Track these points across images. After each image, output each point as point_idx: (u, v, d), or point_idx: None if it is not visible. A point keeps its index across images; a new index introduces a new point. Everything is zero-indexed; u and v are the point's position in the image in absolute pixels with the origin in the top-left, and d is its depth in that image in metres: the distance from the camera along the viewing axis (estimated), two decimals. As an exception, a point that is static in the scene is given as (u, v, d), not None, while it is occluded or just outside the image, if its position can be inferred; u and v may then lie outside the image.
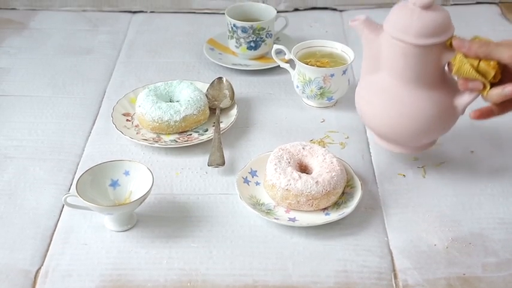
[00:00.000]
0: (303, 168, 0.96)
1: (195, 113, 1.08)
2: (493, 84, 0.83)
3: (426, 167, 1.03)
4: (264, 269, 0.86)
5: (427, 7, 0.85)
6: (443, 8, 0.88)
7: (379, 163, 1.04)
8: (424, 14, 0.85)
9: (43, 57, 1.35)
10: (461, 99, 0.89)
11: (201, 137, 1.08)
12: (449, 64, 0.87)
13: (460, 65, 0.84)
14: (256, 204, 0.94)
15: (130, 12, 1.56)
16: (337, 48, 1.20)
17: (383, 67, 0.91)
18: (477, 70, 0.83)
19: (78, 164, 1.04)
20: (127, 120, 1.12)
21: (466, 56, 0.84)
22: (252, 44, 1.30)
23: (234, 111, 1.14)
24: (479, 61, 0.83)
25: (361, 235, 0.91)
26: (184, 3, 1.56)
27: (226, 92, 1.18)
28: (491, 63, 0.82)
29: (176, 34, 1.46)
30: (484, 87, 0.84)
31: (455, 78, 0.88)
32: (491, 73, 0.82)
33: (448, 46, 0.86)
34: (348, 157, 1.04)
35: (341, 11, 1.57)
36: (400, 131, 0.91)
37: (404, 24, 0.85)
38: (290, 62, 1.22)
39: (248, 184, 0.98)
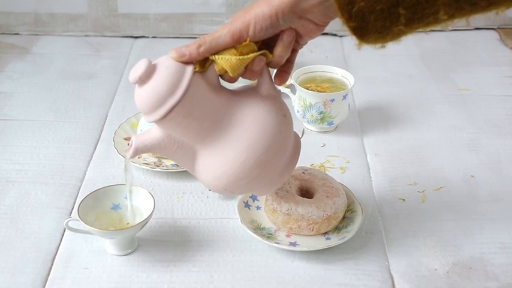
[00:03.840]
0: (304, 193, 0.97)
1: (196, 137, 1.09)
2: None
3: (426, 192, 1.03)
4: (265, 293, 0.86)
5: (142, 81, 0.75)
6: (161, 63, 0.76)
7: (379, 188, 1.05)
8: (144, 89, 0.74)
9: (45, 81, 1.36)
10: (262, 87, 0.79)
11: (202, 162, 1.08)
12: (222, 77, 0.78)
13: (229, 63, 0.73)
14: (257, 229, 0.94)
15: (132, 37, 1.58)
16: (338, 73, 1.21)
17: (189, 143, 0.78)
18: (242, 54, 0.73)
19: (79, 188, 1.05)
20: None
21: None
22: (253, 69, 1.31)
23: (235, 136, 1.14)
24: (234, 47, 0.73)
25: (361, 259, 0.91)
26: (186, 29, 1.57)
27: (227, 116, 1.18)
28: (243, 44, 0.73)
29: (177, 59, 1.47)
30: (266, 55, 0.75)
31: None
32: (254, 46, 0.73)
33: (200, 69, 0.75)
34: (348, 182, 1.04)
35: (341, 36, 1.58)
36: (265, 163, 0.77)
37: (144, 108, 0.74)
38: (291, 87, 1.22)
39: (249, 208, 0.98)
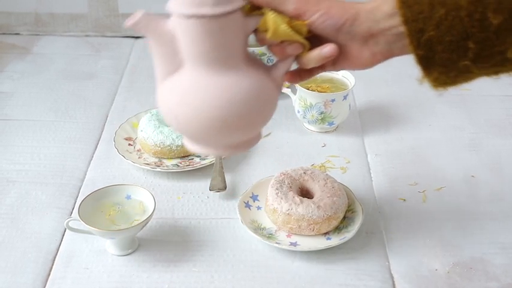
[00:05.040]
0: (304, 193, 0.97)
1: (196, 137, 1.09)
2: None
3: (427, 192, 1.04)
4: (266, 293, 0.86)
5: None
6: None
7: (379, 188, 1.05)
8: None
9: (46, 82, 1.36)
10: (278, 69, 0.77)
11: (203, 162, 1.08)
12: (257, 32, 0.74)
13: (276, 26, 0.71)
14: (258, 229, 0.94)
15: (132, 37, 1.58)
16: (338, 73, 1.21)
17: (185, 59, 0.76)
18: (292, 29, 0.71)
19: (80, 188, 1.05)
20: (129, 144, 1.13)
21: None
22: (254, 69, 1.31)
23: (235, 136, 1.14)
24: (289, 19, 0.71)
25: (362, 259, 0.91)
26: (186, 29, 1.57)
27: (228, 116, 1.18)
28: (299, 22, 0.71)
29: (178, 59, 1.47)
30: (304, 47, 0.73)
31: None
32: (305, 29, 0.71)
33: (248, 11, 0.73)
34: (349, 182, 1.04)
35: (341, 36, 1.58)
36: (222, 122, 0.75)
37: None
38: (291, 87, 1.22)
39: (249, 208, 0.98)
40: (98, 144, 1.16)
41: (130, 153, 1.10)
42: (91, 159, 1.12)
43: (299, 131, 1.20)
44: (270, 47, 0.74)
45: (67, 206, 1.01)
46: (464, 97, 1.32)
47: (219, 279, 0.87)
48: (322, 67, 0.75)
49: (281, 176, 0.97)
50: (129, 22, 0.75)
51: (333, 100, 1.14)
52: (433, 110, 1.27)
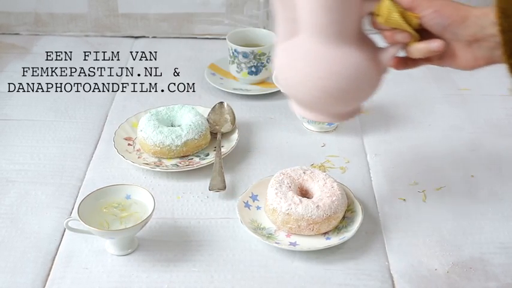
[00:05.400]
0: (304, 193, 0.97)
1: (196, 137, 1.09)
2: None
3: (426, 191, 1.04)
4: (265, 293, 0.86)
5: None
6: None
7: (379, 187, 1.05)
8: None
9: (45, 82, 1.36)
10: (387, 53, 0.81)
11: (202, 162, 1.08)
12: (372, 15, 0.79)
13: (388, 14, 0.76)
14: (257, 229, 0.94)
15: (132, 37, 1.58)
16: (338, 73, 1.21)
17: (302, 28, 0.82)
18: (403, 16, 0.76)
19: (79, 188, 1.05)
20: (129, 144, 1.13)
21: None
22: (253, 69, 1.31)
23: (235, 136, 1.15)
24: (404, 10, 0.76)
25: (361, 259, 0.91)
26: (186, 29, 1.57)
27: (228, 116, 1.19)
28: (412, 14, 0.76)
29: (178, 59, 1.47)
30: (413, 38, 0.77)
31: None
32: (416, 21, 0.76)
33: None
34: (348, 181, 1.04)
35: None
36: (328, 92, 0.81)
37: None
38: (291, 87, 1.22)
39: (249, 208, 0.98)
40: (97, 144, 1.16)
41: (129, 153, 1.10)
42: (91, 159, 1.12)
43: (298, 131, 1.20)
44: (382, 31, 0.78)
45: (67, 206, 1.01)
46: (464, 97, 1.32)
47: (219, 279, 0.87)
48: (428, 60, 0.80)
49: (280, 175, 0.97)
50: None
51: (332, 100, 1.14)
52: (433, 109, 1.27)
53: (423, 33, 0.76)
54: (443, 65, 0.80)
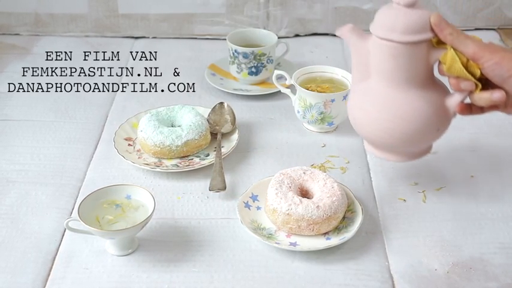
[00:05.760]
0: (304, 193, 0.97)
1: (196, 137, 1.09)
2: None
3: (426, 192, 1.04)
4: (265, 293, 0.86)
5: (411, 5, 0.84)
6: (427, 6, 0.88)
7: (379, 188, 1.05)
8: (408, 12, 0.84)
9: (45, 82, 1.36)
10: (452, 99, 0.87)
11: (203, 162, 1.08)
12: (439, 63, 0.86)
13: (452, 63, 0.82)
14: (257, 229, 0.94)
15: (132, 37, 1.58)
16: (338, 73, 1.21)
17: (373, 72, 0.90)
18: (466, 67, 0.81)
19: (80, 189, 1.05)
20: (129, 144, 1.13)
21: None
22: (253, 70, 1.31)
23: (235, 136, 1.15)
24: (468, 60, 0.82)
25: (362, 259, 0.91)
26: (186, 29, 1.57)
27: (228, 117, 1.19)
28: (473, 63, 0.82)
29: (178, 59, 1.47)
30: (475, 87, 0.82)
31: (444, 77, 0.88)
32: (478, 72, 0.81)
33: (435, 44, 0.85)
34: (348, 182, 1.04)
35: (341, 36, 1.58)
36: (394, 135, 0.89)
37: (389, 23, 0.84)
38: (291, 87, 1.23)
39: (249, 209, 0.98)
40: (97, 144, 1.16)
41: (130, 153, 1.10)
42: (91, 160, 1.12)
43: (299, 131, 1.20)
44: (449, 78, 0.85)
45: (67, 206, 1.01)
46: (464, 97, 1.32)
47: (219, 279, 0.87)
48: (494, 107, 0.85)
49: (281, 176, 0.97)
50: (338, 31, 0.91)
51: (332, 100, 1.14)
52: (432, 110, 1.27)
53: (488, 81, 0.82)
54: (509, 113, 0.85)
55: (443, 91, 0.89)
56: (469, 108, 0.87)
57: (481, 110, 0.87)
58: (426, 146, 0.95)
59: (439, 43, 0.84)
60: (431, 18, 0.83)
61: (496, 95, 0.81)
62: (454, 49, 0.82)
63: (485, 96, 0.82)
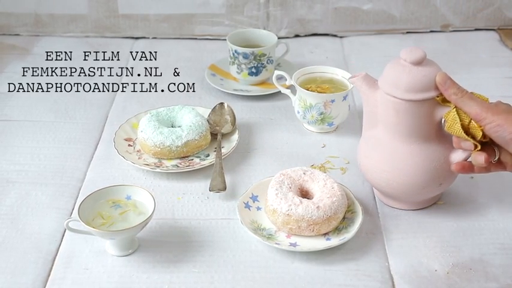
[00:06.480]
0: (304, 194, 0.97)
1: (196, 138, 1.09)
2: (483, 143, 0.84)
3: (426, 192, 1.04)
4: (265, 294, 0.86)
5: (418, 63, 0.86)
6: (435, 63, 0.88)
7: (379, 188, 1.05)
8: (414, 70, 0.86)
9: (45, 82, 1.36)
10: (455, 156, 0.90)
11: (203, 162, 1.08)
12: (444, 120, 0.87)
13: (452, 123, 0.84)
14: (258, 229, 0.94)
15: (132, 38, 1.58)
16: (338, 74, 1.21)
17: (379, 122, 0.92)
18: (468, 128, 0.83)
19: (80, 189, 1.05)
20: (129, 145, 1.13)
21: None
22: (253, 70, 1.31)
23: (235, 137, 1.15)
24: (470, 120, 0.83)
25: (362, 260, 0.91)
26: (186, 29, 1.57)
27: (228, 117, 1.19)
28: (476, 126, 0.83)
29: (178, 60, 1.47)
30: (475, 147, 0.84)
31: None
32: (480, 134, 0.83)
33: (440, 102, 0.86)
34: (348, 182, 1.04)
35: (341, 37, 1.58)
36: (396, 186, 0.93)
37: (394, 80, 0.87)
38: (291, 87, 1.23)
39: (249, 209, 0.98)
40: (97, 144, 1.16)
41: (130, 153, 1.10)
42: (91, 160, 1.12)
43: (299, 132, 1.20)
44: (452, 136, 0.87)
45: (67, 206, 1.01)
46: (464, 98, 1.32)
47: (219, 279, 0.87)
48: (500, 166, 0.86)
49: (281, 176, 0.97)
50: (351, 77, 0.94)
51: (332, 101, 1.14)
52: (432, 110, 1.27)
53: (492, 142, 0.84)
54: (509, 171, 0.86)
55: (449, 147, 0.90)
56: (471, 167, 0.88)
57: (486, 169, 0.87)
58: (431, 197, 0.97)
59: (445, 101, 0.86)
60: (437, 77, 0.84)
61: (479, 158, 0.83)
62: (458, 108, 0.84)
63: (479, 158, 0.84)
